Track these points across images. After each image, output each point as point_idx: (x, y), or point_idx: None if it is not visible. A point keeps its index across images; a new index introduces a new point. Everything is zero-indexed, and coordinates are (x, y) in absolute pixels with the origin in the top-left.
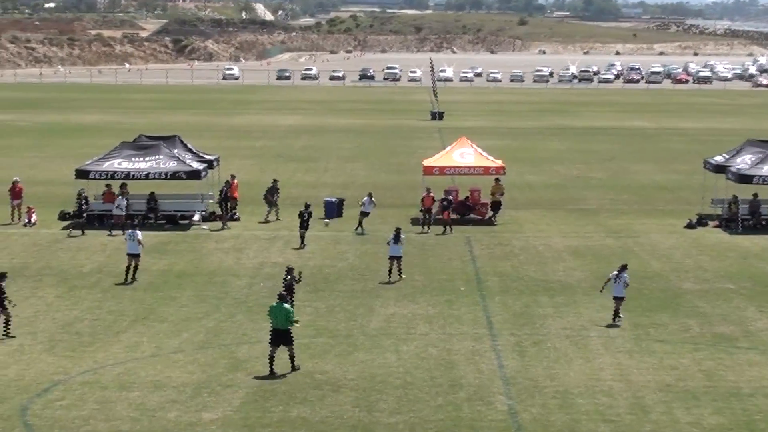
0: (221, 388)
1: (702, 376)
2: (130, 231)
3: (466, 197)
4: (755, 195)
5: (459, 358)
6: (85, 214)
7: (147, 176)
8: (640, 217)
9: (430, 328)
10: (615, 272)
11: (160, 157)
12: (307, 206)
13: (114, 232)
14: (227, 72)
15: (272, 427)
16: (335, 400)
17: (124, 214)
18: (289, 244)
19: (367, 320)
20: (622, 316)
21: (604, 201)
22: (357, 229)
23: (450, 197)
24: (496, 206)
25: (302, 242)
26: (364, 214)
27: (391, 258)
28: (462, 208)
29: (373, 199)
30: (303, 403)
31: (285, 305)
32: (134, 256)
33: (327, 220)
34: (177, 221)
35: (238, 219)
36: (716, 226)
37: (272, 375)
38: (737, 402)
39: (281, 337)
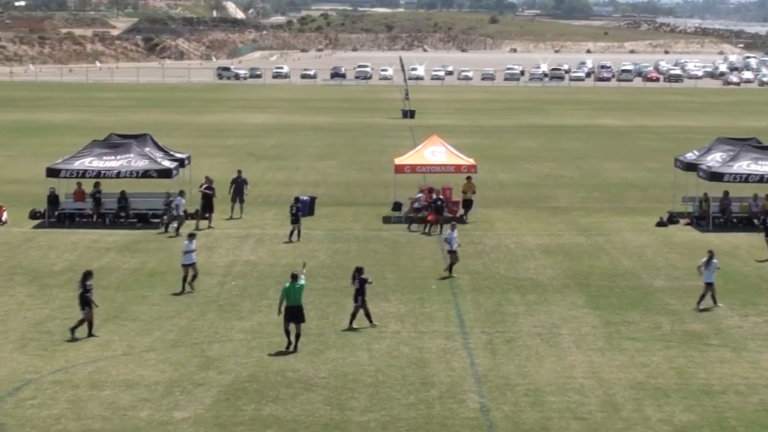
0: (193, 386)
1: (673, 374)
2: (187, 242)
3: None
4: (726, 193)
5: (431, 357)
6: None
7: (118, 175)
8: (611, 215)
9: (401, 326)
10: (705, 259)
11: (131, 155)
12: (297, 200)
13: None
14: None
15: (244, 426)
16: (307, 398)
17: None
18: (261, 242)
19: (339, 318)
20: (721, 305)
21: (575, 199)
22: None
23: (442, 197)
24: (467, 204)
25: (290, 237)
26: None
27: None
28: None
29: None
30: (275, 402)
31: (297, 283)
32: (191, 266)
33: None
34: (148, 220)
35: (209, 218)
36: (687, 224)
37: (289, 345)
38: (708, 399)
39: (295, 313)
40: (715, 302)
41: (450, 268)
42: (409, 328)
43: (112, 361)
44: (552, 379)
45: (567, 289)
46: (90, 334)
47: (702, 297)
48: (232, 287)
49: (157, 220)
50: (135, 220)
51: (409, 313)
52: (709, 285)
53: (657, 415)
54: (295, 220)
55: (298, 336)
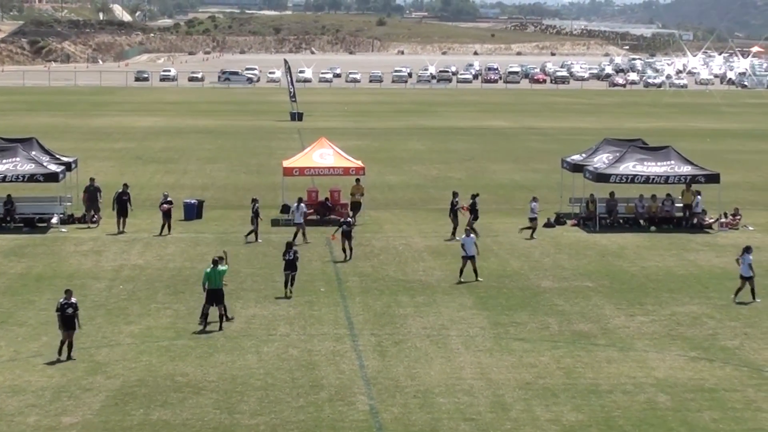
0: (81, 391)
1: (561, 374)
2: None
3: (326, 198)
4: (612, 194)
5: (320, 359)
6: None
7: (4, 179)
8: (499, 216)
9: (290, 329)
10: (740, 254)
11: (17, 159)
12: (254, 201)
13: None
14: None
15: (133, 431)
16: (196, 402)
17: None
18: (149, 246)
19: (228, 322)
20: (758, 300)
21: (464, 201)
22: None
23: (349, 220)
24: (356, 207)
25: (256, 237)
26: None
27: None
28: (322, 209)
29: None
30: (164, 406)
31: (218, 268)
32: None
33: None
34: (35, 224)
35: (96, 222)
36: (574, 225)
37: (203, 330)
38: (596, 399)
39: (215, 296)
40: (753, 297)
41: (461, 272)
42: (299, 330)
43: None
44: (441, 381)
45: (455, 291)
46: (69, 357)
47: (738, 290)
48: (120, 291)
49: (44, 224)
50: (21, 224)
51: (299, 316)
52: (745, 279)
53: (546, 415)
54: (254, 222)
55: (221, 316)
